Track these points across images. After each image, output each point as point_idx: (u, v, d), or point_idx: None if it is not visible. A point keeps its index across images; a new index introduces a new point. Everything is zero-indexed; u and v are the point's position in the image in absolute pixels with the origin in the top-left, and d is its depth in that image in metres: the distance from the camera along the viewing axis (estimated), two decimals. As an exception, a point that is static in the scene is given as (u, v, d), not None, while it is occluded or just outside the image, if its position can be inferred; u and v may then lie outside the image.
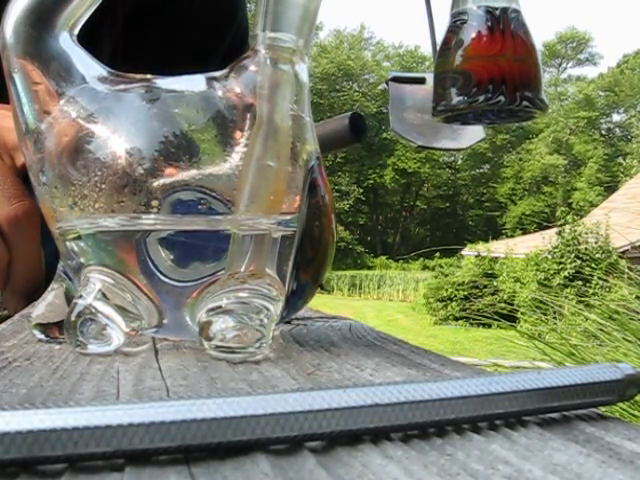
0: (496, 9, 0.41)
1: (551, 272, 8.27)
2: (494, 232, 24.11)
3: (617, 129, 32.70)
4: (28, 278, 0.46)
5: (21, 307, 0.48)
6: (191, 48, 0.76)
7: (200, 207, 0.31)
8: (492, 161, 31.81)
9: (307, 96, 0.34)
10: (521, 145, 31.23)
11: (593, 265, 6.27)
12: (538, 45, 0.43)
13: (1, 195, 0.44)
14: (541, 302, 2.90)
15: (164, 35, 0.77)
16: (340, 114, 0.71)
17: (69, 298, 0.35)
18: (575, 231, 8.53)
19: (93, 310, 0.31)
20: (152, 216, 0.31)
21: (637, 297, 2.18)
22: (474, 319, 5.55)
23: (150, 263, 0.31)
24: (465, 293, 9.70)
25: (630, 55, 31.53)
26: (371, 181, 29.75)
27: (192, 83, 0.33)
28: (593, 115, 30.83)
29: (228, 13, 0.82)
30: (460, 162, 31.99)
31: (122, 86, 0.33)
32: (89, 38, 0.34)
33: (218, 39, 0.80)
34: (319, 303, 0.58)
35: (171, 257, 0.31)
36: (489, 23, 0.41)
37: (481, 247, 11.83)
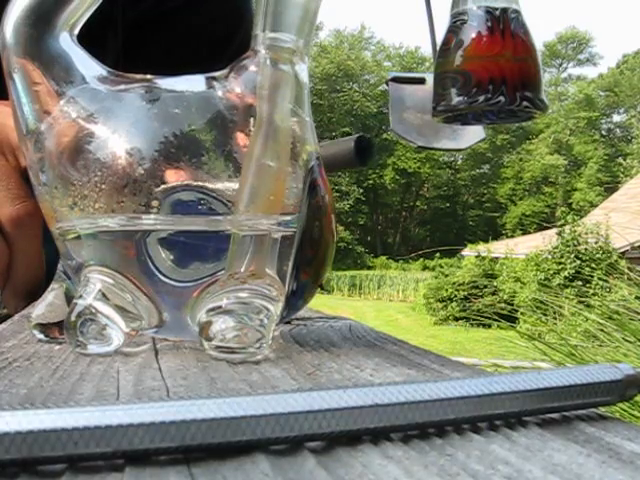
0: (496, 9, 0.41)
1: (551, 272, 8.27)
2: (494, 232, 24.11)
3: (617, 129, 32.70)
4: (29, 278, 0.46)
5: (21, 307, 0.48)
6: (192, 56, 0.76)
7: (200, 207, 0.31)
8: (492, 161, 31.80)
9: (307, 96, 0.34)
10: (521, 145, 31.22)
11: (593, 265, 6.27)
12: (538, 45, 0.44)
13: (5, 195, 0.44)
14: (541, 302, 2.90)
15: (166, 45, 0.77)
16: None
17: (69, 298, 0.35)
18: (575, 231, 8.52)
19: (93, 310, 0.31)
20: (152, 216, 0.31)
21: (637, 297, 2.18)
22: (474, 319, 5.55)
23: (150, 263, 0.31)
24: (465, 293, 9.69)
25: (630, 55, 31.53)
26: (371, 181, 29.73)
27: (192, 83, 0.33)
28: (593, 115, 30.83)
29: (235, 13, 0.81)
30: (460, 162, 31.99)
31: (122, 86, 0.33)
32: (92, 47, 0.34)
33: (223, 43, 0.80)
34: (319, 303, 0.57)
35: (171, 257, 0.31)
36: (489, 23, 0.41)
37: (481, 247, 11.82)
